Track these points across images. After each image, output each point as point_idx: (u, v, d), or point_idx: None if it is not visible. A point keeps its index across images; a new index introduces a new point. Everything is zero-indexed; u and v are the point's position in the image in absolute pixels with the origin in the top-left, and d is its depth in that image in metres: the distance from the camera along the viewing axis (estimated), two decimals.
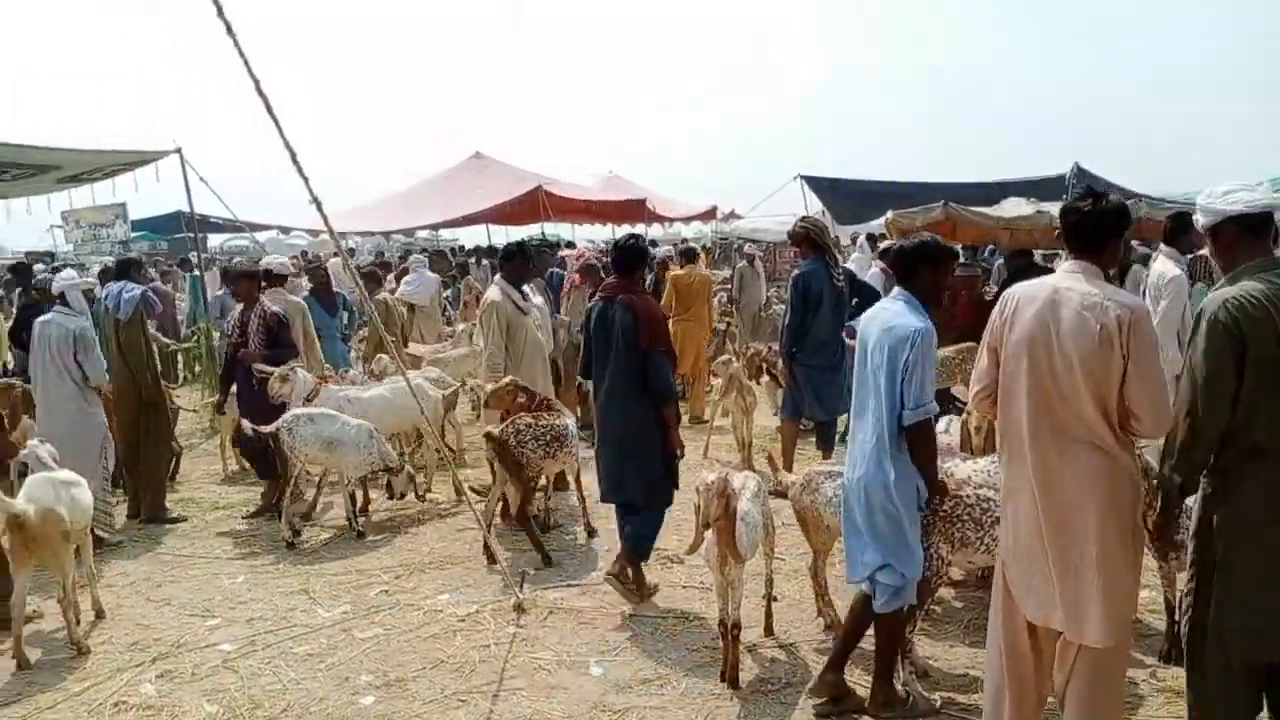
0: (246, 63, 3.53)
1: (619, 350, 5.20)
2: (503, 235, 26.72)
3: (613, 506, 5.59)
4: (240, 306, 7.51)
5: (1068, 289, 3.15)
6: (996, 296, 8.96)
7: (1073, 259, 3.24)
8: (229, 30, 3.33)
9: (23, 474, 5.38)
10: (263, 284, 7.72)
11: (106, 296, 7.31)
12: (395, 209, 23.22)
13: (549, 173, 22.26)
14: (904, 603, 3.83)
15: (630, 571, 5.27)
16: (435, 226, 24.81)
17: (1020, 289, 3.32)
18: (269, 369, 7.06)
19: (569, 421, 6.36)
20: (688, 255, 11.89)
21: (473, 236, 29.22)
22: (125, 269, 7.88)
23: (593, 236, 30.83)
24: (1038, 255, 10.06)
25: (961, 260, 9.78)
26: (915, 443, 3.74)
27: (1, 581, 5.17)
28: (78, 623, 4.96)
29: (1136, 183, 15.38)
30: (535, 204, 20.14)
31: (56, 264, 14.06)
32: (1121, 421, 3.09)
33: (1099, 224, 3.20)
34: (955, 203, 10.30)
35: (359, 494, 6.99)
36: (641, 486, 5.28)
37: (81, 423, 6.53)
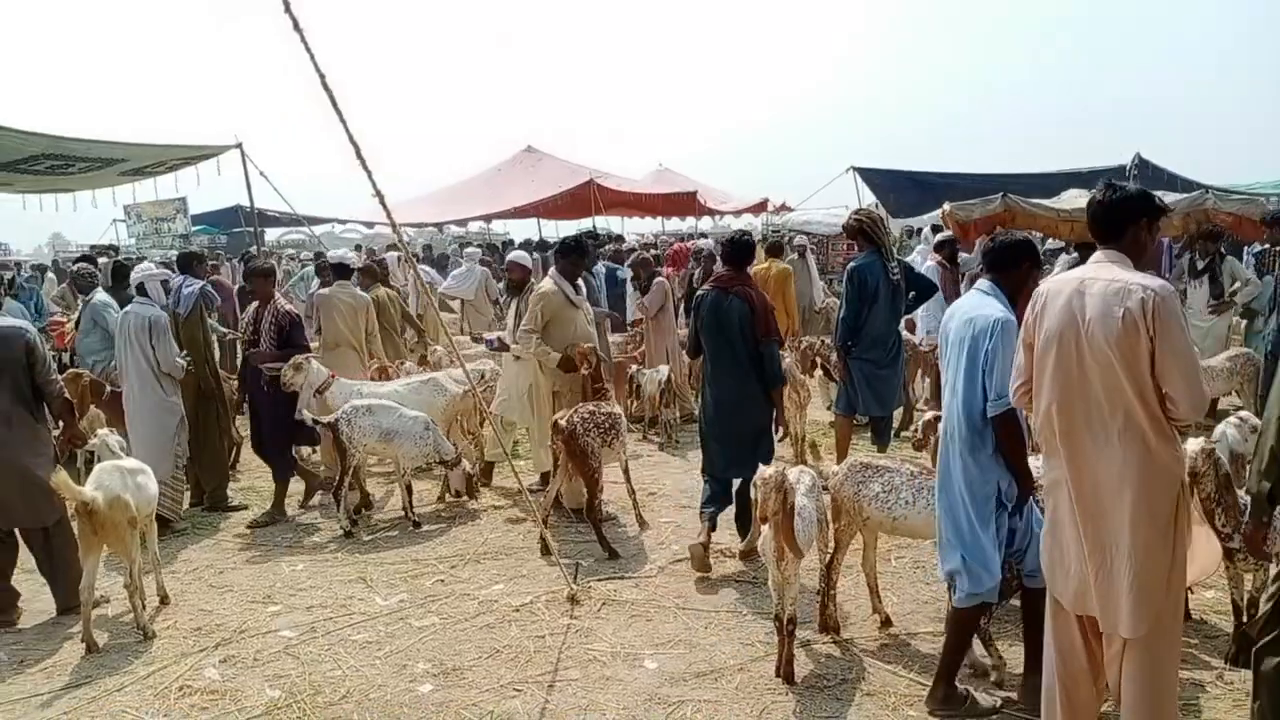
0: (312, 57, 3.57)
1: (735, 338, 5.61)
2: (552, 228, 26.88)
3: (661, 501, 5.76)
4: (255, 304, 7.45)
5: (1093, 278, 3.15)
6: None
7: (1100, 249, 3.25)
8: (295, 26, 3.37)
9: (89, 462, 5.54)
10: (330, 277, 7.85)
11: (167, 292, 7.49)
12: (447, 201, 23.45)
13: (599, 166, 22.32)
14: (980, 601, 3.79)
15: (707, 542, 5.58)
16: (487, 218, 24.98)
17: (1049, 283, 3.34)
18: (278, 367, 7.04)
19: (620, 412, 6.40)
20: (773, 250, 11.76)
21: (522, 230, 29.41)
22: (187, 263, 8.04)
23: (641, 230, 30.86)
24: None
25: None
26: (1000, 436, 3.68)
27: (71, 567, 5.34)
28: (143, 608, 5.08)
29: (1201, 174, 15.02)
30: (587, 197, 20.20)
31: (122, 257, 14.35)
32: (1161, 407, 3.03)
33: (1118, 211, 3.20)
34: (1014, 194, 10.12)
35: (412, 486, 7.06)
36: (749, 460, 5.45)
37: (158, 408, 6.79)
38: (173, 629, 5.10)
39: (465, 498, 7.23)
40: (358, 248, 22.29)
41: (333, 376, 7.29)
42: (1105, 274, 3.13)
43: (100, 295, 8.62)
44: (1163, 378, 2.99)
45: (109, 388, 7.40)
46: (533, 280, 7.73)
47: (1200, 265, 9.27)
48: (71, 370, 7.42)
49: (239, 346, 7.29)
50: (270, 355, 7.12)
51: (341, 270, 8.24)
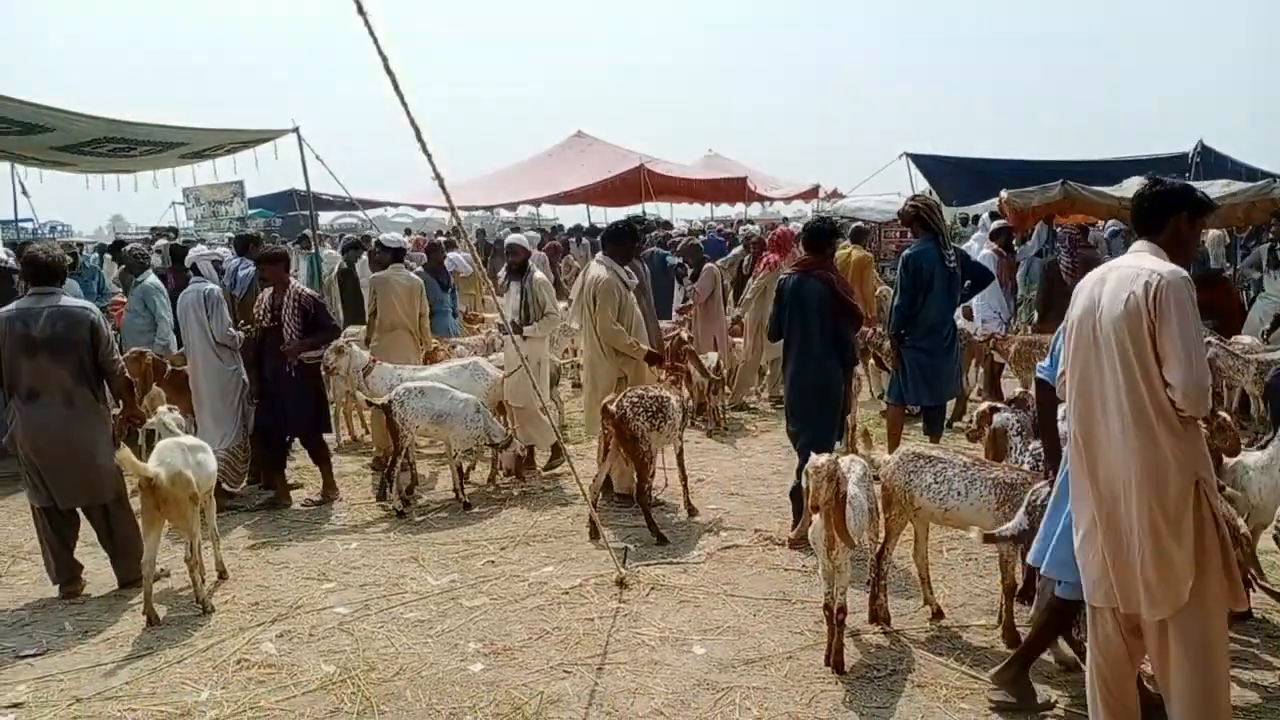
0: (376, 41, 3.61)
1: (813, 319, 5.78)
2: (601, 214, 26.90)
3: (709, 488, 6.12)
4: (269, 291, 7.21)
5: (1117, 266, 3.17)
6: None
7: (1139, 239, 3.26)
8: (360, 9, 3.40)
9: (149, 440, 5.67)
10: (378, 258, 7.91)
11: (225, 273, 7.68)
12: (498, 185, 23.57)
13: (648, 151, 22.27)
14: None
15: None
16: (537, 202, 25.09)
17: (1091, 273, 3.32)
18: (315, 353, 7.04)
19: (671, 396, 6.39)
20: (856, 236, 11.59)
21: (571, 215, 29.48)
22: (244, 246, 8.22)
23: (690, 216, 30.77)
24: None
25: (1081, 243, 9.46)
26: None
27: (131, 542, 5.48)
28: (203, 582, 5.20)
29: (1268, 161, 14.59)
30: (637, 183, 20.19)
31: (178, 240, 14.66)
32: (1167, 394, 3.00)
33: (1158, 204, 3.22)
34: (1072, 181, 9.91)
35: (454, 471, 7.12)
36: (824, 429, 5.84)
37: (220, 377, 6.97)
38: (231, 603, 5.22)
39: (515, 478, 7.27)
40: (407, 231, 22.51)
41: (374, 360, 7.31)
42: (1129, 262, 3.15)
43: (151, 278, 8.82)
44: (1164, 364, 2.97)
45: (169, 366, 7.58)
46: (531, 263, 7.75)
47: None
48: (135, 349, 7.61)
49: (255, 337, 7.12)
50: (304, 344, 6.99)
51: (397, 253, 8.33)
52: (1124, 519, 3.10)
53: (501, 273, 8.24)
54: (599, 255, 7.14)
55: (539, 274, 7.59)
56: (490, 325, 9.64)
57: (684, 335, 7.66)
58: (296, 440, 7.46)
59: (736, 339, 10.09)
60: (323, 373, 7.26)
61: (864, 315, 6.90)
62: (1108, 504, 3.14)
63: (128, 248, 10.69)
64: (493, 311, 10.03)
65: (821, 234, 6.08)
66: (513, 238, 8.21)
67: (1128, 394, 3.04)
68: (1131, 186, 10.10)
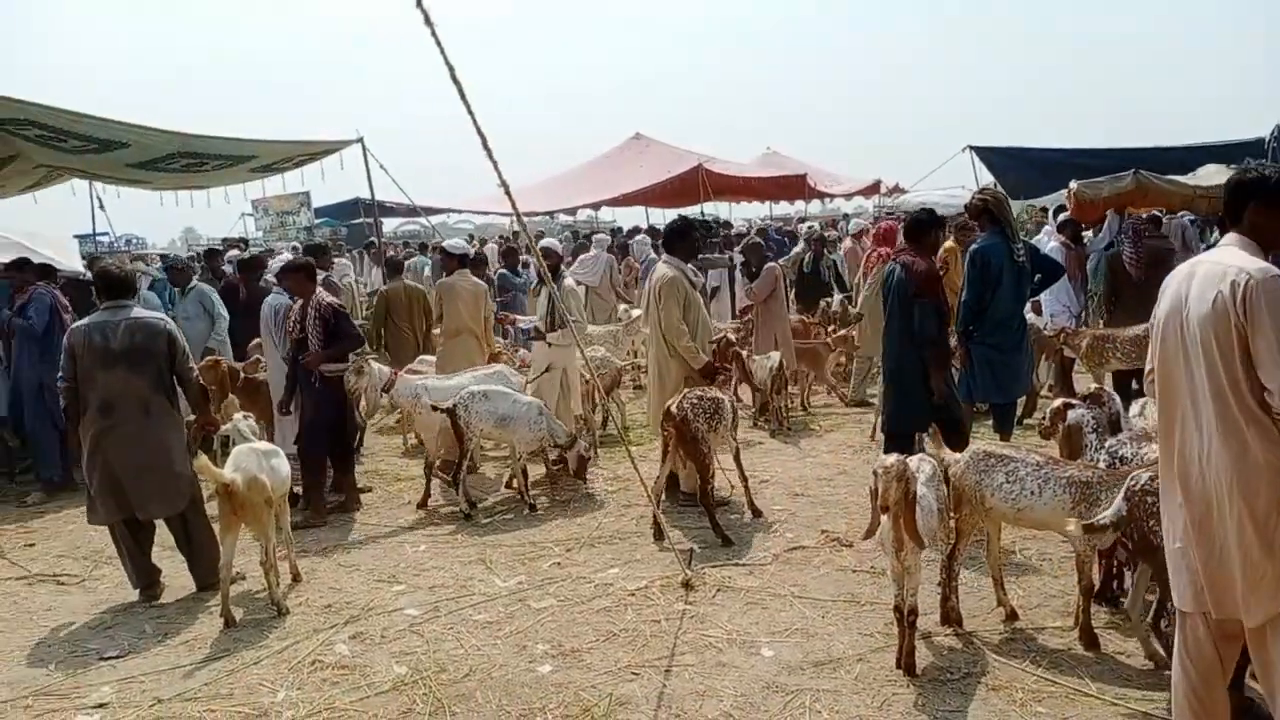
0: (443, 51, 3.65)
1: (894, 303, 5.97)
2: (660, 215, 26.91)
3: (773, 489, 6.06)
4: (299, 302, 7.04)
5: (1204, 261, 3.05)
6: None
7: (1229, 232, 3.13)
8: (427, 20, 3.45)
9: (224, 447, 5.82)
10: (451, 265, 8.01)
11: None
12: (557, 189, 23.72)
13: (706, 150, 22.21)
14: None
15: None
16: (596, 205, 25.19)
17: (1179, 268, 3.18)
18: (337, 367, 6.90)
19: (725, 397, 6.36)
20: (962, 230, 11.43)
21: (629, 217, 29.54)
22: (313, 255, 8.43)
23: (749, 215, 30.62)
24: None
25: (1149, 233, 9.18)
26: None
27: (208, 546, 5.62)
28: (277, 584, 5.31)
29: None
30: (695, 183, 20.15)
31: (249, 252, 15.06)
32: (1262, 402, 2.86)
33: (1235, 192, 3.10)
34: (1145, 170, 9.65)
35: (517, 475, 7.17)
36: (901, 420, 6.00)
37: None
38: (304, 605, 5.32)
39: (579, 479, 7.27)
40: (470, 237, 22.79)
41: (395, 374, 7.18)
42: (1215, 257, 3.03)
43: (202, 285, 9.27)
44: (1258, 367, 2.84)
45: (243, 374, 7.78)
46: (562, 269, 7.78)
47: None
48: (210, 358, 7.81)
49: (288, 349, 7.06)
50: (324, 355, 6.86)
51: (462, 259, 8.42)
52: (1216, 525, 2.98)
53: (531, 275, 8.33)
54: (664, 255, 7.12)
55: (568, 281, 7.69)
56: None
57: (731, 336, 7.58)
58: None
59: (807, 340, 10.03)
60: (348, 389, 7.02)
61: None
62: (1199, 510, 3.03)
63: (169, 260, 11.19)
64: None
65: (918, 224, 6.17)
66: (544, 242, 8.18)
67: (1215, 398, 2.92)
68: (1206, 175, 9.83)
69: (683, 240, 7.07)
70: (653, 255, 12.26)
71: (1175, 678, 3.28)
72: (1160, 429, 3.19)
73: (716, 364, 6.76)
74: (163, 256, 14.41)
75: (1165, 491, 3.21)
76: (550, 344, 7.55)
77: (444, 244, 9.35)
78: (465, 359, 7.96)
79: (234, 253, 14.44)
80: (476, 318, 8.17)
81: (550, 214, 26.24)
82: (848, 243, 14.02)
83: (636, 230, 22.79)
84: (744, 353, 7.42)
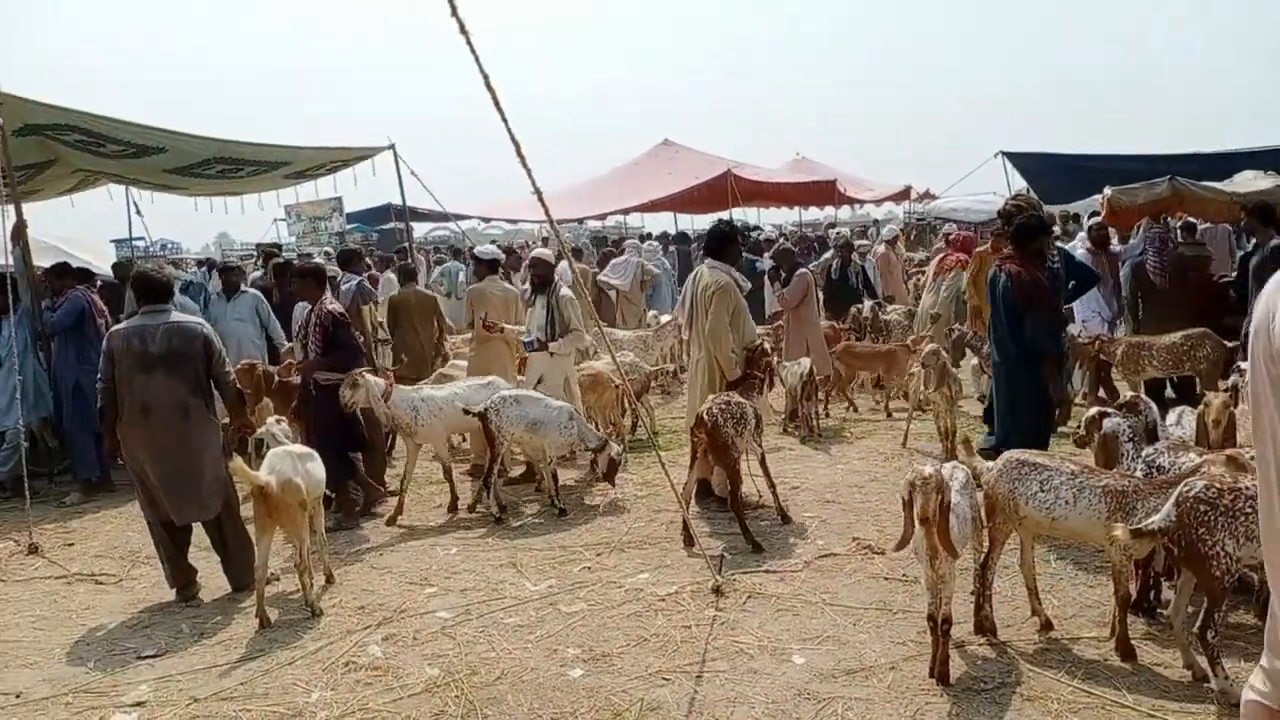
0: (477, 59, 3.69)
1: (999, 308, 6.07)
2: (688, 221, 26.93)
3: (804, 495, 6.12)
4: (307, 307, 7.12)
5: None
6: (1229, 281, 8.25)
7: None
8: (461, 29, 3.48)
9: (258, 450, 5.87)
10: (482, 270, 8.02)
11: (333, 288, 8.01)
12: (586, 196, 23.79)
13: (735, 156, 22.22)
14: None
15: None
16: (625, 212, 25.24)
17: (1274, 278, 3.05)
18: (334, 376, 6.81)
19: (747, 403, 6.33)
20: (999, 236, 11.36)
21: (657, 223, 29.57)
22: (347, 260, 8.51)
23: (778, 220, 30.57)
24: None
25: (1183, 240, 9.09)
26: None
27: (244, 548, 5.69)
28: (311, 586, 5.35)
29: None
30: (724, 188, 20.16)
31: (280, 256, 15.25)
32: None
33: None
34: (1182, 178, 9.53)
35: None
36: (1004, 428, 6.07)
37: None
38: (338, 607, 5.36)
39: (608, 483, 7.23)
40: (493, 243, 22.92)
41: (391, 385, 6.97)
42: None
43: (254, 291, 9.33)
44: None
45: (277, 378, 7.86)
46: (557, 278, 7.71)
47: None
48: (246, 361, 7.90)
49: (296, 349, 7.08)
50: (319, 363, 6.88)
51: (492, 265, 8.46)
52: None
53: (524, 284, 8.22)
54: (708, 262, 7.09)
55: (565, 289, 7.64)
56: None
57: (766, 345, 7.48)
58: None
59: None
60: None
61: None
62: None
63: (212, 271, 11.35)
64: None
65: (1026, 230, 6.17)
66: (536, 251, 8.09)
67: None
68: (1244, 181, 9.69)
69: (731, 245, 7.07)
70: (664, 261, 12.31)
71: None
72: (1253, 434, 3.06)
73: (749, 370, 6.71)
74: (209, 261, 14.62)
75: (1266, 510, 2.96)
76: (552, 354, 7.51)
77: (475, 249, 9.41)
78: (497, 364, 8.00)
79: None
80: (508, 322, 8.21)
81: (580, 220, 26.32)
82: (880, 249, 13.97)
83: (647, 236, 22.82)
84: (775, 360, 7.37)
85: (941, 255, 10.78)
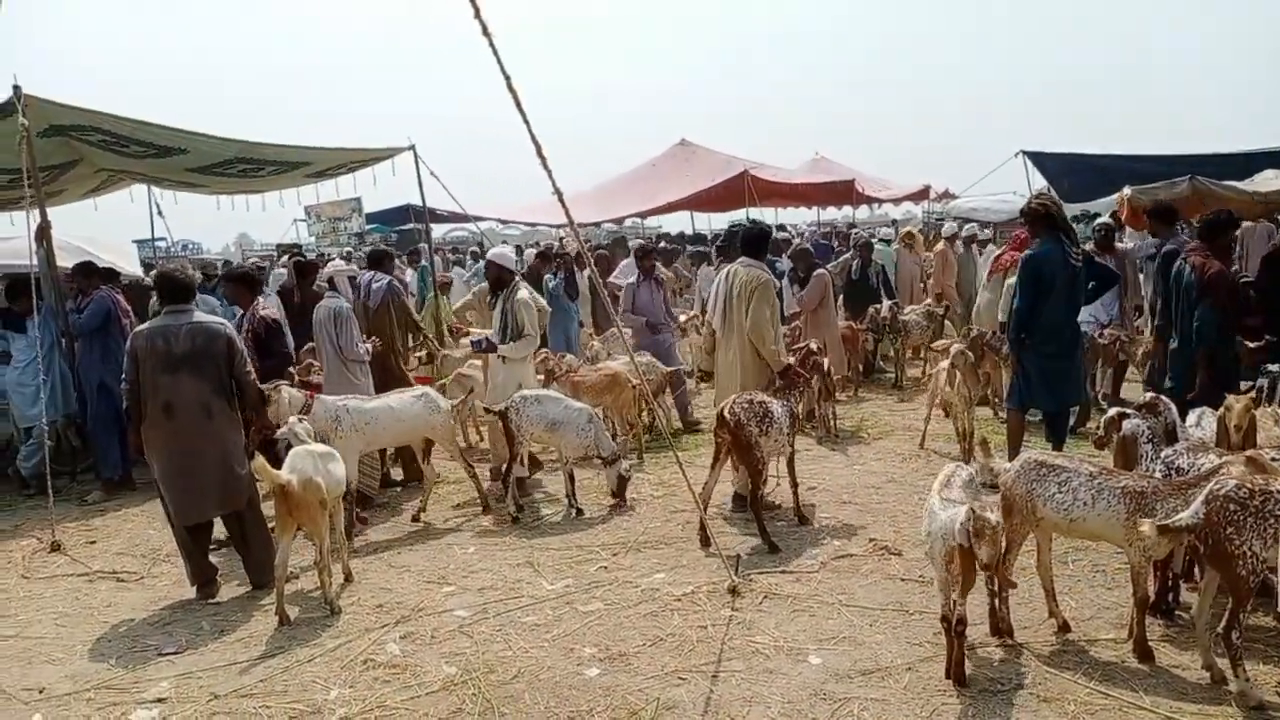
0: (500, 61, 3.69)
1: (1181, 303, 6.27)
2: (705, 222, 26.91)
3: (820, 496, 6.28)
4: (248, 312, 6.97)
5: None
6: (1249, 281, 8.18)
7: None
8: (484, 31, 3.50)
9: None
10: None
11: (358, 287, 8.08)
12: (604, 198, 23.79)
13: (755, 157, 22.18)
14: None
15: None
16: (642, 215, 25.22)
17: None
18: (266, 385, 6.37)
19: (774, 402, 6.32)
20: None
21: (674, 222, 29.56)
22: (379, 260, 8.61)
23: (795, 220, 30.49)
24: None
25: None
26: None
27: (264, 546, 5.75)
28: (331, 584, 5.39)
29: None
30: (741, 189, 20.13)
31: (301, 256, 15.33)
32: None
33: None
34: (1203, 177, 9.45)
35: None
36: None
37: (348, 390, 7.15)
38: (356, 605, 5.40)
39: (617, 500, 7.07)
40: (517, 248, 22.96)
41: (310, 397, 6.57)
42: None
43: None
44: None
45: (297, 378, 7.92)
46: (518, 279, 7.58)
47: None
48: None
49: None
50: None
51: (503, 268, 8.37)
52: None
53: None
54: (742, 259, 7.02)
55: (522, 293, 7.45)
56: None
57: (814, 345, 7.33)
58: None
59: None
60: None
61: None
62: None
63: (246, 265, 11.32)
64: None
65: (1215, 224, 6.31)
66: (493, 252, 7.89)
67: None
68: (1264, 180, 9.60)
69: (765, 244, 7.12)
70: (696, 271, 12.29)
71: None
72: None
73: (797, 370, 6.67)
74: (226, 264, 14.74)
75: None
76: (502, 357, 7.34)
77: (489, 254, 9.42)
78: (515, 365, 7.96)
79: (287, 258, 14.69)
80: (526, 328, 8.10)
81: (598, 224, 26.34)
82: (940, 245, 13.69)
83: (683, 237, 22.81)
84: (825, 362, 7.16)
85: (998, 254, 10.73)
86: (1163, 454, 4.71)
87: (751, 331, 6.70)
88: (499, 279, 7.60)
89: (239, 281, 7.23)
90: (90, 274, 8.60)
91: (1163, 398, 5.09)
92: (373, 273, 8.25)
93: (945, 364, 7.81)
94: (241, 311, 7.11)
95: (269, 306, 7.19)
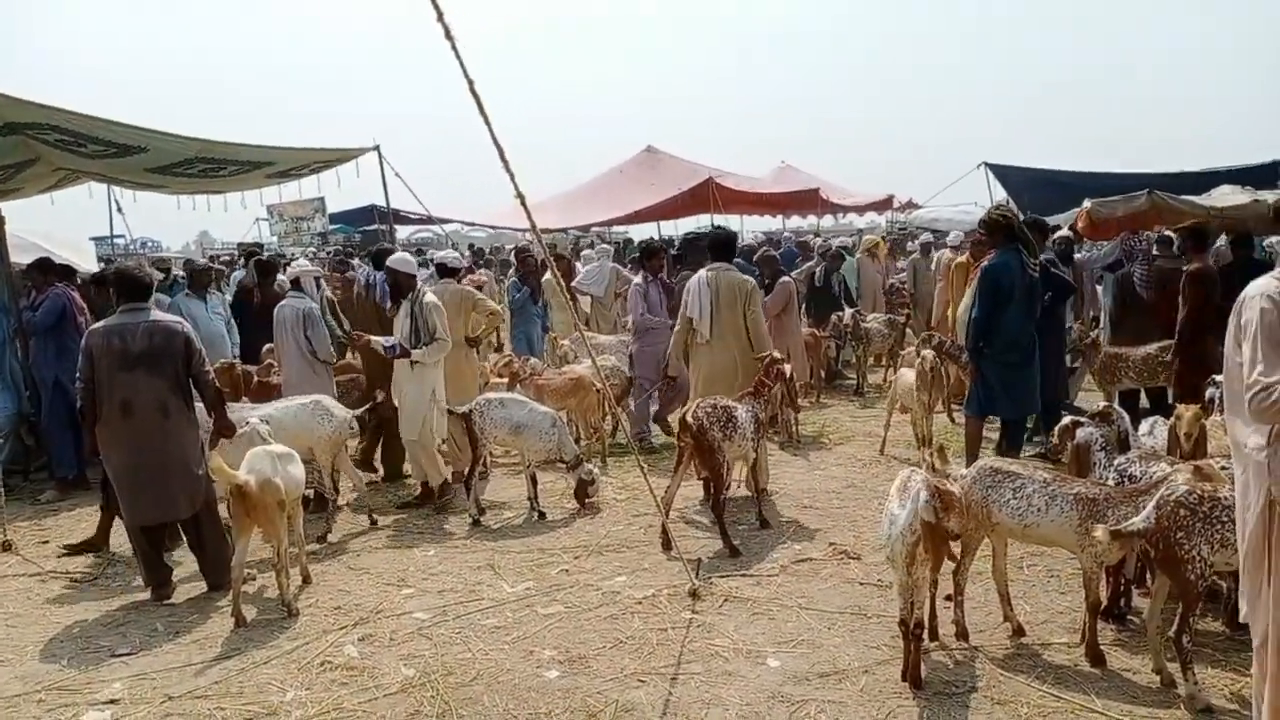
0: (462, 64, 3.70)
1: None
2: (672, 228, 26.94)
3: (782, 500, 6.22)
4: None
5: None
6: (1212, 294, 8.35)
7: None
8: (447, 34, 3.51)
9: None
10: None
11: (369, 283, 8.06)
12: (567, 207, 23.74)
13: (720, 164, 22.29)
14: None
15: None
16: (608, 224, 25.21)
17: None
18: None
19: (740, 408, 6.34)
20: (977, 245, 9.81)
21: (641, 229, 29.57)
22: (380, 258, 8.63)
23: (762, 228, 30.67)
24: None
25: (1158, 253, 9.19)
26: None
27: (220, 547, 5.68)
28: (289, 586, 5.34)
29: None
30: (705, 196, 20.22)
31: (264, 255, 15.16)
32: None
33: None
34: (1159, 191, 9.65)
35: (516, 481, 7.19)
36: None
37: (314, 389, 7.13)
38: (314, 607, 5.36)
39: (580, 505, 7.03)
40: (471, 247, 22.88)
41: None
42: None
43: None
44: None
45: (256, 378, 7.85)
46: (421, 284, 7.33)
47: None
48: (224, 360, 7.88)
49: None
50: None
51: (445, 270, 8.23)
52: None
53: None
54: (719, 264, 7.12)
55: (430, 297, 7.15)
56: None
57: (778, 354, 7.32)
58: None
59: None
60: None
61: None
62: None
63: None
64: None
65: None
66: (392, 259, 7.60)
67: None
68: (1221, 195, 9.82)
69: (733, 248, 7.35)
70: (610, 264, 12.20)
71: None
72: None
73: (764, 377, 6.69)
74: (188, 261, 14.55)
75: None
76: (414, 361, 7.06)
77: (436, 256, 9.38)
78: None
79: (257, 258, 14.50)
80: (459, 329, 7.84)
81: (564, 230, 26.30)
82: (947, 254, 13.72)
83: (630, 243, 22.81)
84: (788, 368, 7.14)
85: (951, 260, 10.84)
86: (1115, 462, 4.80)
87: (755, 334, 6.91)
88: (398, 285, 7.29)
89: (104, 284, 6.85)
90: (46, 270, 8.46)
91: (1116, 407, 5.19)
92: (380, 272, 8.33)
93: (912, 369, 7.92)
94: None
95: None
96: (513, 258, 12.38)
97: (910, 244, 13.65)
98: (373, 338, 7.36)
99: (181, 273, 11.97)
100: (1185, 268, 7.42)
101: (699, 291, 7.02)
